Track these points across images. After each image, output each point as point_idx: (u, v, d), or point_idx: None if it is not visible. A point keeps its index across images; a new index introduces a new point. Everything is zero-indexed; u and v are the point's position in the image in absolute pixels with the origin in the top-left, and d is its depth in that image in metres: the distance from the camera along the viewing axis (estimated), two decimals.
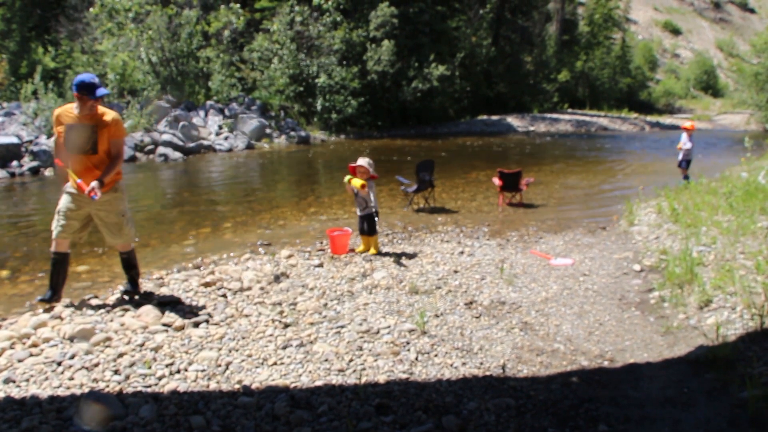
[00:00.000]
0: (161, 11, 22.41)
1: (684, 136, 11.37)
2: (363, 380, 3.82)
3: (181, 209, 10.43)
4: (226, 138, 20.04)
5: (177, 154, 17.37)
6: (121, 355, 4.07)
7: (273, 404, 3.43)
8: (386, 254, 6.99)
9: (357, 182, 6.85)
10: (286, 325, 4.73)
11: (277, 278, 5.96)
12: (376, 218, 7.07)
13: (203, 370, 3.91)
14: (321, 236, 8.02)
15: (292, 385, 3.74)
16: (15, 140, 14.69)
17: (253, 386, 3.71)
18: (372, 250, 7.06)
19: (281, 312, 5.02)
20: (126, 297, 5.26)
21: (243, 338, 4.46)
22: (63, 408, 3.33)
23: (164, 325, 4.66)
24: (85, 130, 4.78)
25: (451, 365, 4.11)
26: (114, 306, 5.04)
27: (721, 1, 69.11)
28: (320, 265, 6.52)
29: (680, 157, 11.50)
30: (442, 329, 4.74)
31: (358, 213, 7.13)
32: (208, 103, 22.28)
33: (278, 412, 3.33)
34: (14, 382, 3.69)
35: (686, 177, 11.36)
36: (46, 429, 3.09)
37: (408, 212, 9.87)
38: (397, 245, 7.56)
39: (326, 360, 4.10)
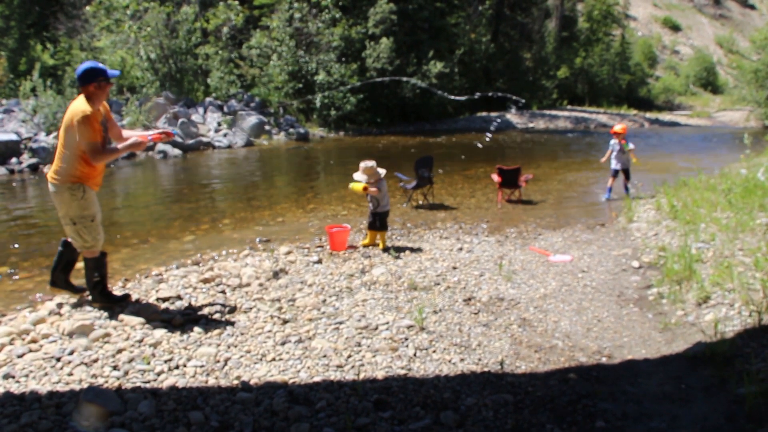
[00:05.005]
0: (159, 8, 22.36)
1: (614, 142, 10.32)
2: (361, 376, 3.82)
3: (180, 206, 10.42)
4: (225, 135, 20.02)
5: (176, 151, 17.35)
6: (119, 351, 4.08)
7: (271, 400, 3.44)
8: (385, 250, 7.00)
9: (357, 186, 7.04)
10: (285, 321, 4.73)
11: (275, 274, 5.96)
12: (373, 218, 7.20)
13: (202, 366, 3.91)
14: (320, 233, 8.03)
15: (291, 381, 3.75)
16: (14, 137, 14.69)
17: (252, 382, 3.71)
18: (380, 245, 7.15)
19: (280, 308, 5.03)
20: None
21: (242, 334, 4.46)
22: (62, 403, 3.33)
23: (163, 321, 4.66)
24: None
25: (450, 361, 4.11)
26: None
27: None
28: (319, 262, 6.53)
29: (614, 165, 10.36)
30: (440, 325, 4.74)
31: (370, 210, 7.20)
32: (207, 100, 22.25)
33: (277, 407, 3.34)
34: (13, 377, 3.69)
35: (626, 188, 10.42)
36: (46, 424, 3.10)
37: (407, 209, 9.87)
38: (396, 242, 7.56)
39: (325, 356, 4.11)
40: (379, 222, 7.16)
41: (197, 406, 3.37)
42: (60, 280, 5.02)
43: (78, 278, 6.04)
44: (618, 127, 10.47)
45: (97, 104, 4.53)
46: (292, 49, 24.46)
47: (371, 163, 7.14)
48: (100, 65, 4.55)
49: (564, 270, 6.34)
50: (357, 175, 7.18)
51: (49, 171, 4.62)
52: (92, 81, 4.46)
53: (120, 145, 4.73)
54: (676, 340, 4.51)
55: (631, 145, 10.29)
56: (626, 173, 10.47)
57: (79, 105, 4.41)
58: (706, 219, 7.20)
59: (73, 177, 4.52)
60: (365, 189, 7.00)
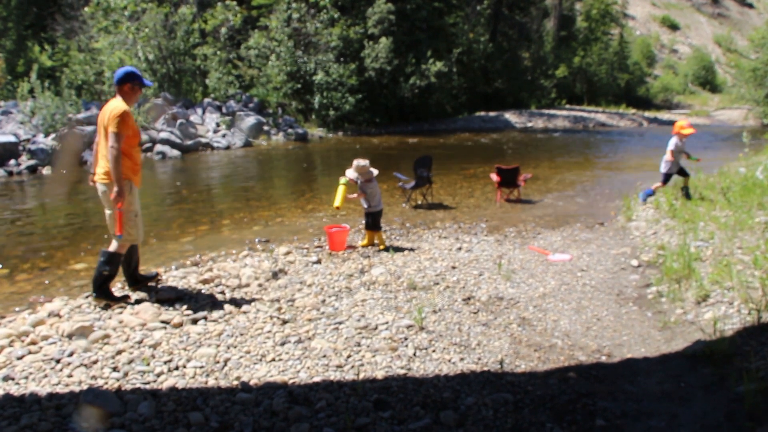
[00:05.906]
0: (157, 9, 22.35)
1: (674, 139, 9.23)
2: (361, 376, 3.82)
3: (179, 207, 10.42)
4: (223, 135, 20.01)
5: (175, 152, 17.34)
6: (119, 353, 4.08)
7: (271, 400, 3.44)
8: (384, 250, 7.00)
9: (337, 202, 6.94)
10: (284, 322, 4.73)
11: (275, 275, 5.96)
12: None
13: (201, 367, 3.91)
14: (319, 233, 8.03)
15: (291, 381, 3.75)
16: (12, 139, 14.66)
17: (252, 382, 3.71)
18: (381, 245, 7.17)
19: (279, 308, 5.03)
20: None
21: (241, 335, 4.46)
22: (62, 405, 3.33)
23: (162, 322, 4.66)
24: None
25: (449, 361, 4.12)
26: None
27: None
28: (318, 262, 6.53)
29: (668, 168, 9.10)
30: (440, 325, 4.74)
31: (365, 210, 7.24)
32: (206, 100, 22.24)
33: (276, 407, 3.34)
34: (13, 379, 3.69)
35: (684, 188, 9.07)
36: (45, 426, 3.09)
37: (406, 209, 9.87)
38: (395, 241, 7.56)
39: (324, 356, 4.11)
40: (371, 221, 7.21)
41: (197, 406, 3.37)
42: (136, 278, 5.42)
43: (77, 280, 6.03)
44: (685, 122, 9.21)
45: (130, 105, 4.92)
46: (291, 49, 24.45)
47: (364, 162, 7.18)
48: (138, 71, 5.02)
49: (563, 269, 6.35)
50: (349, 172, 7.21)
51: (95, 175, 4.96)
52: (128, 81, 4.91)
53: (119, 171, 4.74)
54: (676, 338, 4.52)
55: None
56: (669, 178, 9.21)
57: (117, 103, 4.83)
58: (705, 217, 7.21)
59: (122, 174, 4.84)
60: (338, 208, 6.96)
